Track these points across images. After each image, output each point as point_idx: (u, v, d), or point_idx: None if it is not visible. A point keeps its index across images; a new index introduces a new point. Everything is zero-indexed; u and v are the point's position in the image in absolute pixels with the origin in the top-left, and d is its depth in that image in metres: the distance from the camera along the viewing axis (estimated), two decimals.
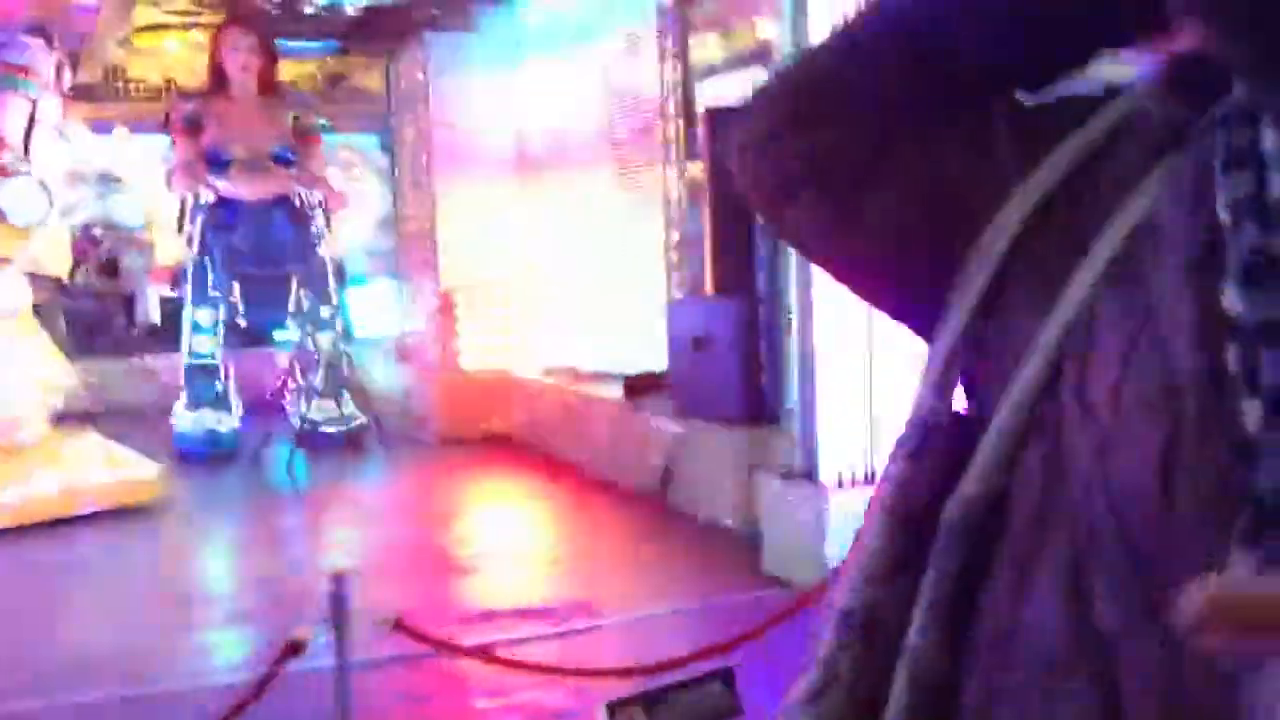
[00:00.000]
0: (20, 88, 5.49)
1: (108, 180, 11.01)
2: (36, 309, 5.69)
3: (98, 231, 11.56)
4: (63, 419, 6.41)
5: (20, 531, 5.23)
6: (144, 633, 3.86)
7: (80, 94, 10.71)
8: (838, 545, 3.96)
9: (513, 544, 5.16)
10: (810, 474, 4.11)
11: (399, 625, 2.25)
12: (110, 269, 10.91)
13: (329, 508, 6.17)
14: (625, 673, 2.42)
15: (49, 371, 5.59)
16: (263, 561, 5.11)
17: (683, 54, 5.93)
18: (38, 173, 5.52)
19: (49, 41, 5.67)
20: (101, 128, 11.32)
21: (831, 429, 4.08)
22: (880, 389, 4.08)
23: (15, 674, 3.44)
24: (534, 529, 5.51)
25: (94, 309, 10.45)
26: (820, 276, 4.03)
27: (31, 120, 5.61)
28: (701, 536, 4.77)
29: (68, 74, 5.96)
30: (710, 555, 4.50)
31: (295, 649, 2.07)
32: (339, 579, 2.06)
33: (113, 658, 3.48)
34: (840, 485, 4.07)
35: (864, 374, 4.09)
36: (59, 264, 5.91)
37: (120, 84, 10.57)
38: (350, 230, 10.81)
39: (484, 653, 2.66)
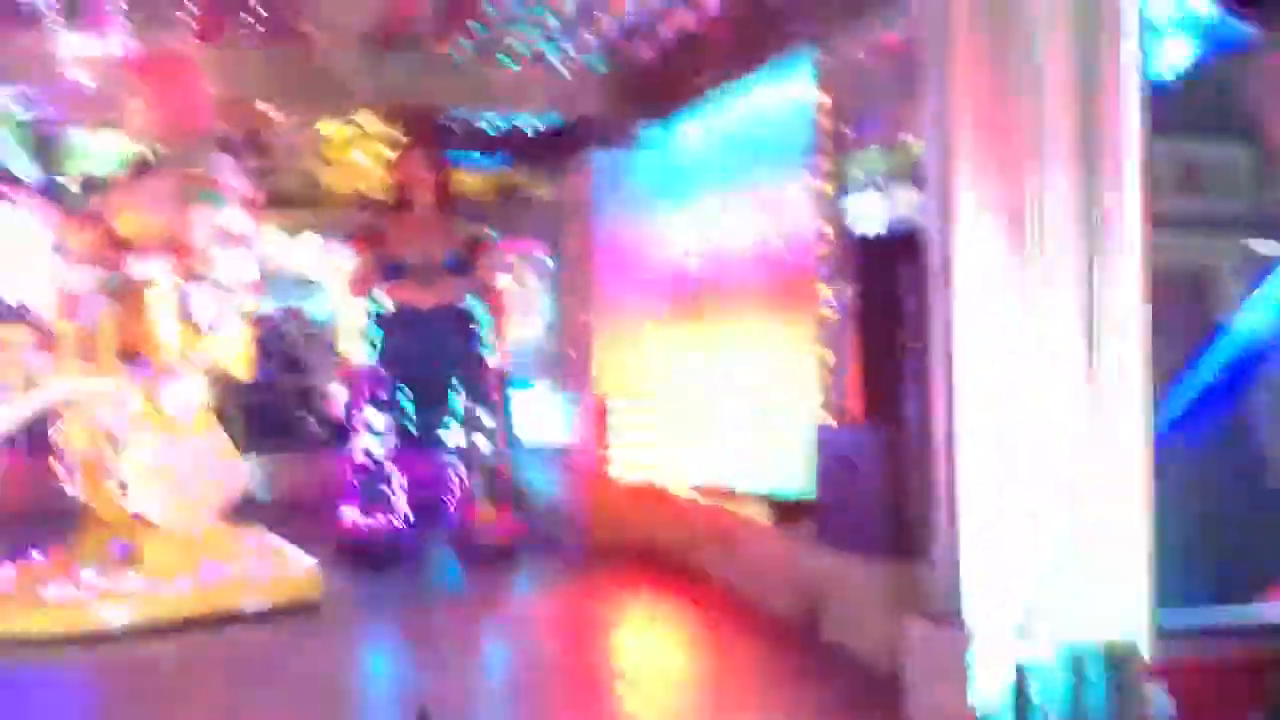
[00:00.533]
0: (209, 200, 5.87)
1: (298, 283, 11.67)
2: (216, 408, 5.99)
3: (286, 330, 12.21)
4: (236, 511, 6.74)
5: (184, 623, 5.44)
6: None
7: (276, 201, 11.47)
8: (980, 694, 3.75)
9: (652, 666, 5.08)
10: (954, 617, 3.91)
11: None
12: (296, 366, 11.49)
13: (478, 615, 6.21)
14: None
15: (223, 468, 5.85)
16: (398, 668, 5.18)
17: (837, 174, 5.91)
18: (221, 279, 5.85)
19: (236, 156, 6.07)
20: (295, 233, 12.05)
21: (978, 571, 3.89)
22: (1029, 527, 3.89)
23: None
24: (675, 651, 5.41)
25: (278, 404, 10.96)
26: (967, 404, 3.96)
27: (219, 230, 5.98)
28: (846, 673, 4.59)
29: (254, 186, 6.33)
30: (854, 694, 4.32)
31: None
32: (424, 714, 2.04)
33: None
34: (987, 631, 3.86)
35: (1014, 511, 3.90)
36: (239, 365, 6.21)
37: (313, 192, 11.22)
38: (519, 336, 11.12)
39: None
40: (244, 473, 5.99)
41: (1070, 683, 3.81)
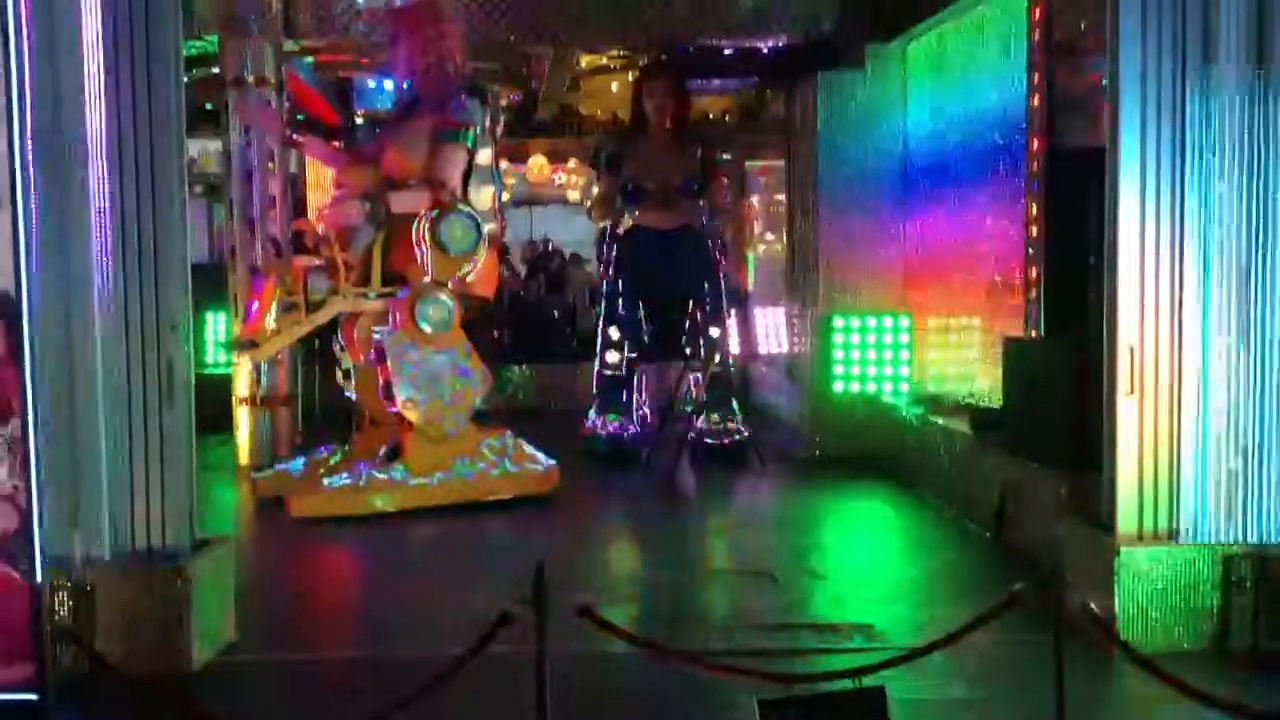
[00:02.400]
0: (461, 139, 6.58)
1: (562, 205, 12.49)
2: (468, 324, 6.76)
3: (550, 251, 13.11)
4: (496, 415, 7.60)
5: (439, 510, 6.31)
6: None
7: (538, 130, 12.31)
8: (1125, 599, 3.95)
9: (840, 562, 5.50)
10: (1109, 524, 4.11)
11: (585, 613, 2.71)
12: (558, 283, 12.38)
13: (697, 512, 6.83)
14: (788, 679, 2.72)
15: (473, 377, 6.64)
16: (620, 553, 5.84)
17: (1046, 87, 5.94)
18: (471, 210, 6.57)
19: (483, 99, 6.73)
20: (557, 158, 12.85)
21: (1130, 481, 4.06)
22: (1188, 435, 4.01)
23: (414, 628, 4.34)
24: (866, 550, 5.80)
25: (542, 318, 11.89)
26: (1126, 318, 4.09)
27: (469, 166, 6.70)
28: (1022, 575, 4.82)
29: (501, 124, 6.99)
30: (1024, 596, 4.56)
31: (504, 621, 2.62)
32: (540, 568, 2.56)
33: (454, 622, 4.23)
34: (1139, 539, 4.05)
35: (1168, 425, 4.03)
36: (487, 286, 6.96)
37: (572, 121, 11.95)
38: (756, 254, 11.52)
39: (676, 655, 2.98)
40: (488, 381, 6.73)
41: (1223, 588, 3.96)
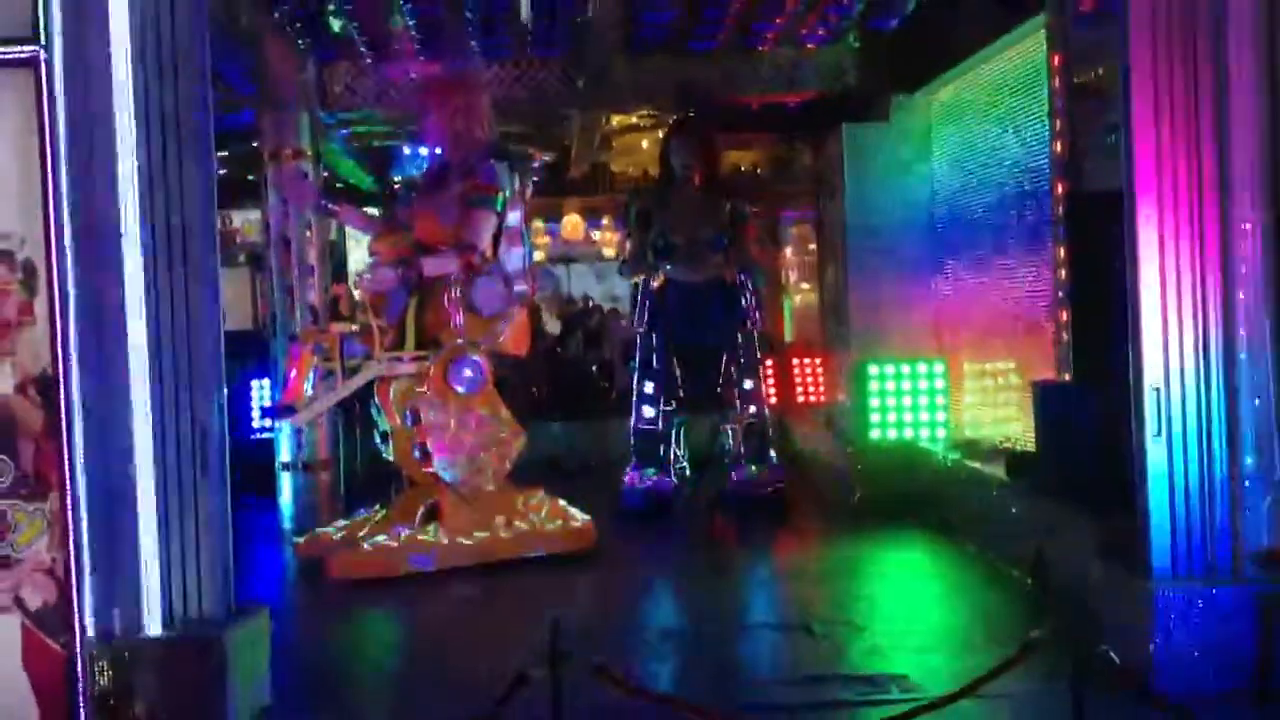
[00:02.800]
0: (490, 204, 6.70)
1: (596, 262, 12.65)
2: (500, 382, 6.84)
3: (587, 308, 13.21)
4: (540, 471, 7.65)
5: (477, 569, 6.35)
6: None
7: (573, 188, 12.49)
8: (1161, 641, 3.90)
9: (877, 611, 5.47)
10: (1144, 566, 4.08)
11: (601, 671, 2.73)
12: (595, 339, 12.47)
13: (734, 564, 6.81)
14: None
15: (506, 436, 6.70)
16: (655, 608, 5.85)
17: (1068, 132, 5.97)
18: (503, 272, 6.68)
19: (511, 163, 6.86)
20: (591, 215, 13.01)
21: (1163, 523, 4.03)
22: (1219, 480, 3.98)
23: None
24: (902, 599, 5.76)
25: (582, 376, 11.96)
26: (1148, 363, 4.07)
27: (499, 228, 6.82)
28: (1061, 616, 4.79)
29: (530, 187, 7.12)
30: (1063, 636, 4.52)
31: (521, 682, 2.64)
32: (555, 626, 2.59)
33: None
34: (1174, 579, 4.01)
35: (1199, 466, 4.00)
36: (519, 345, 7.05)
37: (604, 178, 12.12)
38: (789, 304, 11.56)
39: (696, 710, 2.98)
40: (522, 440, 6.79)
41: (1260, 629, 3.90)
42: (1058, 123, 6.09)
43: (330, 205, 6.94)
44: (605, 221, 13.32)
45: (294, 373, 6.50)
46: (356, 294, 6.86)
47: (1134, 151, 4.13)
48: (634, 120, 10.65)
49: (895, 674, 4.26)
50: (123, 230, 3.91)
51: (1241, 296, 4.03)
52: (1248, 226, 4.02)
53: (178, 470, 4.00)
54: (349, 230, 11.07)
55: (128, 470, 3.89)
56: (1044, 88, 6.19)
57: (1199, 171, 4.06)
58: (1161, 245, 4.08)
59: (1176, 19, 4.07)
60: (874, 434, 7.73)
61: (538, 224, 12.99)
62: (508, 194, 6.82)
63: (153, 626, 3.91)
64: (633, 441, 8.28)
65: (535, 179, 12.02)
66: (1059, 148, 6.07)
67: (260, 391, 8.97)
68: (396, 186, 10.84)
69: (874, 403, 7.71)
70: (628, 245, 8.72)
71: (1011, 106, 6.66)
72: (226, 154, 10.09)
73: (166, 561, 3.97)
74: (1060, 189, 6.02)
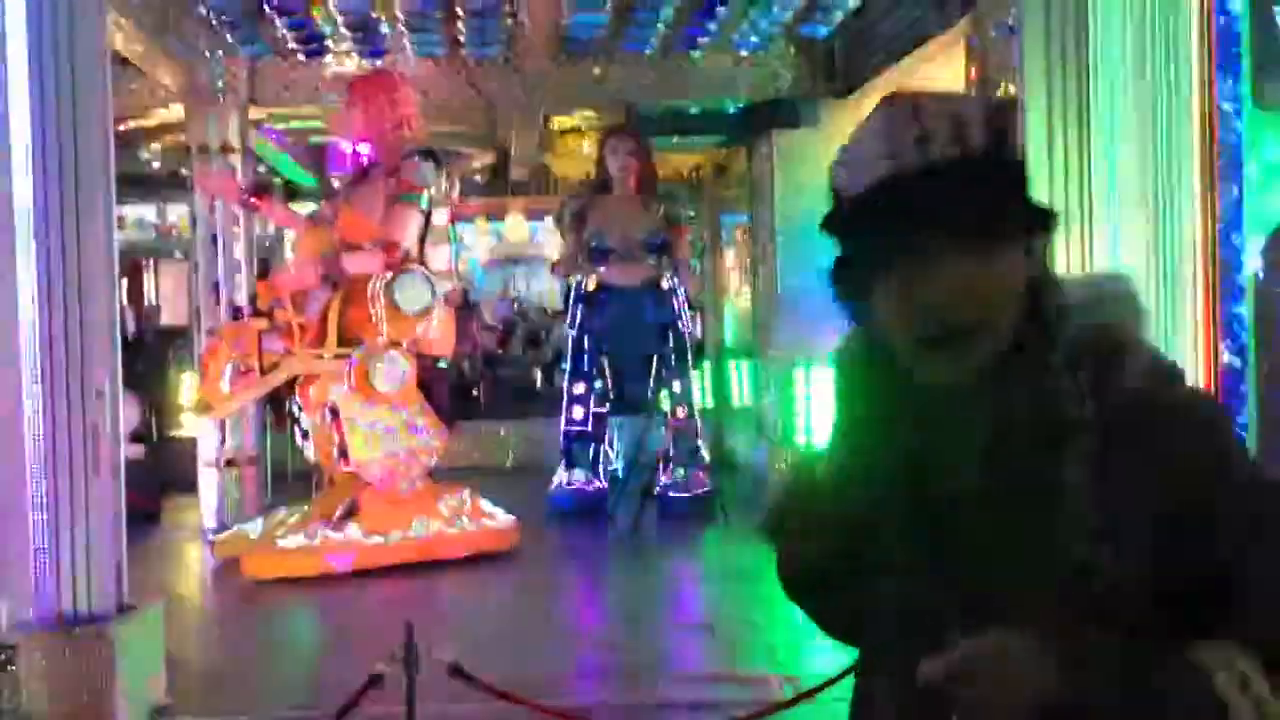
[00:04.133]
0: (415, 201, 6.70)
1: (536, 263, 12.62)
2: (423, 383, 6.83)
3: (527, 309, 13.23)
4: (458, 474, 7.65)
5: (399, 568, 6.33)
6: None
7: (516, 189, 12.48)
8: None
9: (781, 612, 5.51)
10: None
11: (455, 671, 2.76)
12: (534, 341, 12.48)
13: (654, 566, 6.84)
14: None
15: (428, 435, 6.70)
16: (566, 607, 5.87)
17: None
18: (426, 270, 6.67)
19: (438, 162, 6.86)
20: (535, 217, 13.01)
21: None
22: None
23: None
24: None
25: (520, 375, 11.97)
26: None
27: (425, 227, 6.81)
28: None
29: (456, 186, 7.12)
30: None
31: (374, 682, 2.66)
32: (409, 628, 2.61)
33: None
34: None
35: None
36: (443, 346, 7.04)
37: (547, 180, 12.12)
38: (722, 308, 11.61)
39: (523, 702, 3.01)
40: (444, 440, 6.79)
41: None
42: None
43: (252, 200, 6.88)
44: (548, 222, 13.32)
45: (209, 369, 6.47)
46: (276, 291, 6.82)
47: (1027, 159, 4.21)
48: (574, 123, 10.64)
49: (788, 674, 4.30)
50: (12, 217, 3.88)
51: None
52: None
53: (69, 467, 3.97)
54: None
55: (15, 467, 3.87)
56: None
57: (1087, 183, 4.13)
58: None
59: (1068, 37, 4.15)
60: (799, 438, 7.77)
61: (482, 224, 12.98)
62: (433, 193, 6.82)
63: (40, 622, 3.89)
64: (563, 443, 8.30)
65: (477, 179, 12.02)
66: None
67: (191, 389, 8.92)
68: (336, 184, 10.78)
69: (799, 406, 7.76)
70: (562, 246, 8.74)
71: None
72: (160, 147, 10.03)
73: (55, 557, 3.94)
74: None
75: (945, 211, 1.06)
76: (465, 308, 11.47)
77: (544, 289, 13.11)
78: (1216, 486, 1.07)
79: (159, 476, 8.30)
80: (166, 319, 11.99)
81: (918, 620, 1.13)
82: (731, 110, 9.86)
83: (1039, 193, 4.16)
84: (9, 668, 3.78)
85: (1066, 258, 4.16)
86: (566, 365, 8.49)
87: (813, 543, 1.22)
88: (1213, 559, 1.05)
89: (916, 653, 1.06)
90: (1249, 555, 1.06)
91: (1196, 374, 3.83)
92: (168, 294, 12.95)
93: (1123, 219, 4.06)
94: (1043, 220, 1.13)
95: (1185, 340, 3.85)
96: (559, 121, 10.47)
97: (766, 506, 1.28)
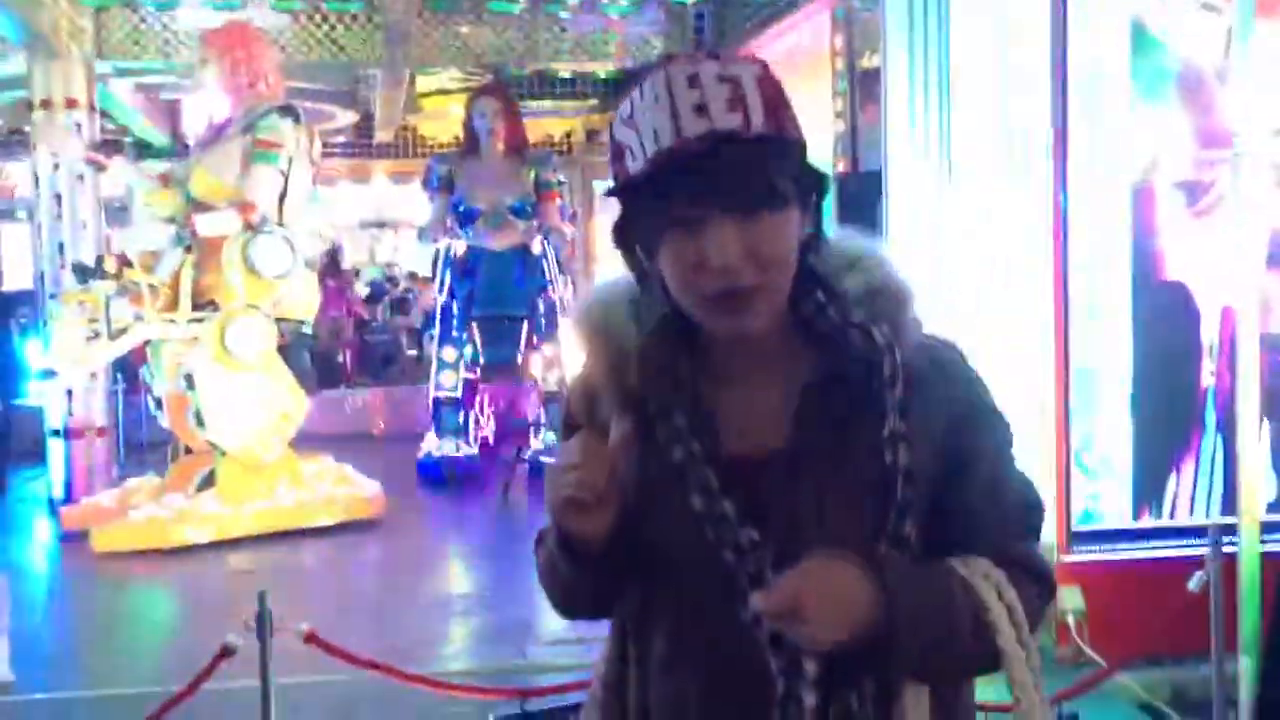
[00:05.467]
0: (272, 160, 6.48)
1: (401, 227, 12.41)
2: (282, 349, 6.64)
3: (394, 275, 13.00)
4: (327, 441, 7.48)
5: (260, 539, 6.17)
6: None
7: (381, 152, 12.21)
8: None
9: None
10: None
11: (311, 639, 2.70)
12: (403, 307, 12.26)
13: (518, 531, 6.80)
14: (520, 694, 2.74)
15: (288, 402, 6.53)
16: (425, 576, 5.83)
17: (847, 114, 6.14)
18: (285, 232, 6.47)
19: (296, 119, 6.64)
20: (401, 180, 12.75)
21: None
22: None
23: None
24: None
25: (389, 341, 11.76)
26: None
27: (285, 188, 6.60)
28: None
29: (317, 144, 6.90)
30: None
31: (226, 653, 2.59)
32: (262, 595, 2.54)
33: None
34: None
35: None
36: (304, 310, 6.85)
37: (413, 142, 11.88)
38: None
39: (385, 669, 2.98)
40: (305, 407, 6.63)
41: None
42: (838, 103, 6.24)
43: (97, 157, 6.58)
44: (415, 185, 13.08)
45: (56, 334, 6.17)
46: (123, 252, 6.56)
47: (888, 133, 4.28)
48: (442, 84, 10.43)
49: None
50: None
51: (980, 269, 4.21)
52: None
53: None
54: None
55: None
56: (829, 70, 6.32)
57: (948, 155, 4.22)
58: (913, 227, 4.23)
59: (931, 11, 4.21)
60: None
61: (346, 187, 12.67)
62: (293, 151, 6.61)
63: None
64: (432, 410, 8.18)
65: (341, 139, 11.71)
66: (841, 127, 6.23)
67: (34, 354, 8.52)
68: (189, 142, 10.38)
69: None
70: (430, 209, 8.58)
71: (801, 84, 6.79)
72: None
73: None
74: (841, 168, 6.18)
75: (725, 181, 1.10)
76: (335, 272, 11.20)
77: (411, 253, 12.88)
78: (988, 424, 1.22)
79: (3, 446, 7.93)
80: (9, 283, 11.43)
81: (726, 585, 1.15)
82: (603, 75, 9.84)
83: (900, 163, 4.25)
84: None
85: (924, 225, 4.25)
86: (435, 331, 8.36)
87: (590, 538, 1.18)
88: (980, 484, 1.20)
89: (725, 619, 1.14)
90: (1002, 481, 1.22)
91: (1046, 333, 3.95)
92: (10, 256, 12.33)
93: (979, 189, 4.17)
94: (817, 184, 1.17)
95: (1038, 306, 3.97)
96: (425, 82, 10.26)
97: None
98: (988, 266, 4.10)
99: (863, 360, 1.15)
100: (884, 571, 1.10)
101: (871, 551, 1.12)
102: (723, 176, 1.09)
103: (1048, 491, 3.78)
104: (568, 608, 1.34)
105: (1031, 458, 3.60)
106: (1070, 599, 3.89)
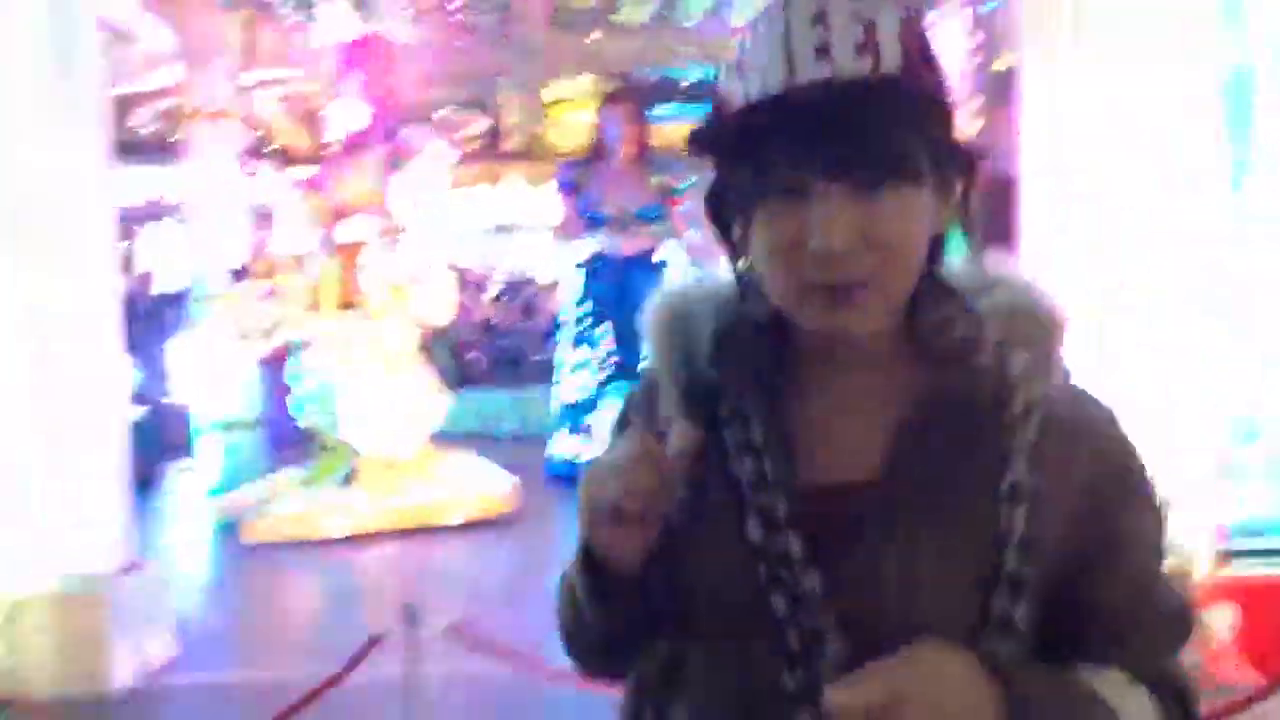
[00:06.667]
0: (408, 168, 6.70)
1: (530, 232, 12.62)
2: (421, 349, 6.84)
3: (522, 278, 13.21)
4: (457, 441, 7.67)
5: (399, 533, 6.37)
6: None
7: (510, 158, 12.45)
8: None
9: None
10: None
11: (457, 631, 2.79)
12: (530, 310, 12.47)
13: None
14: None
15: (427, 402, 6.73)
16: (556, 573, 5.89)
17: None
18: (420, 237, 6.68)
19: (432, 127, 6.85)
20: (530, 185, 12.97)
21: None
22: None
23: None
24: None
25: (517, 344, 11.96)
26: None
27: (422, 193, 6.81)
28: None
29: (453, 152, 7.11)
30: None
31: (375, 642, 2.71)
32: (410, 589, 2.65)
33: None
34: None
35: None
36: (441, 313, 7.04)
37: (542, 149, 12.08)
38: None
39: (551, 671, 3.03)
40: (444, 406, 6.82)
41: None
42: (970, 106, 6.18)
43: (251, 164, 6.89)
44: (544, 191, 13.30)
45: (206, 334, 6.48)
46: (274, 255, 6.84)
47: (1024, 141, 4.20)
48: (570, 91, 10.62)
49: None
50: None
51: None
52: None
53: (77, 427, 4.00)
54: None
55: (22, 427, 3.89)
56: None
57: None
58: None
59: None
60: None
61: (476, 192, 12.95)
62: (429, 159, 6.81)
63: (45, 580, 3.92)
64: (561, 411, 8.32)
65: (473, 146, 11.97)
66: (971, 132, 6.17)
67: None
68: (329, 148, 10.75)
69: None
70: (560, 215, 8.73)
71: None
72: (157, 109, 9.98)
73: (60, 516, 3.97)
74: None
75: (842, 142, 0.87)
76: (464, 275, 11.48)
77: (539, 257, 13.10)
78: (1141, 504, 0.95)
79: (158, 440, 8.32)
80: (160, 285, 11.96)
81: (774, 643, 0.91)
82: None
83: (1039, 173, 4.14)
84: (14, 629, 3.81)
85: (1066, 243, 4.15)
86: (565, 334, 8.50)
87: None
88: (1127, 578, 0.93)
89: (765, 682, 0.91)
90: (1153, 578, 0.95)
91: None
92: (161, 259, 12.90)
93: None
94: (965, 165, 0.93)
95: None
96: (554, 90, 10.46)
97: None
98: (1145, 289, 3.94)
99: (989, 390, 0.91)
100: (1011, 685, 0.84)
101: (994, 655, 0.86)
102: (840, 136, 0.87)
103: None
104: (578, 653, 1.10)
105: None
106: (1221, 618, 3.73)
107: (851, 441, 0.96)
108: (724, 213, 0.97)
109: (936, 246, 0.95)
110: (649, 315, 1.03)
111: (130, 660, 3.97)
